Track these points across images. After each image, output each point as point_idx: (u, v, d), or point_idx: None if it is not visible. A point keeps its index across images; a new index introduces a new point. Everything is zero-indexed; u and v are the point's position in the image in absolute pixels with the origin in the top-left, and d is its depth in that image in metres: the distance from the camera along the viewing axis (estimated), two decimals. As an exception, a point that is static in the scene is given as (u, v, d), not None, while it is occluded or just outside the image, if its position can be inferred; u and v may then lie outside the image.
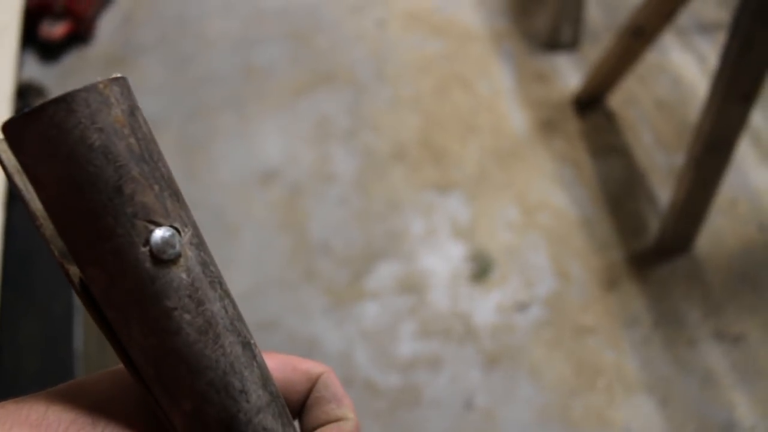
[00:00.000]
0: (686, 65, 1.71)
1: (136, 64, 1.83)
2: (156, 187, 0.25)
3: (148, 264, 0.24)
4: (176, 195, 0.26)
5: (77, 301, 1.30)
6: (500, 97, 1.69)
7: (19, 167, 0.25)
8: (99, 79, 0.25)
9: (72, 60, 1.85)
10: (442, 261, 1.40)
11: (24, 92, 1.64)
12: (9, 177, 0.24)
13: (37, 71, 1.81)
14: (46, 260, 1.36)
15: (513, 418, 1.21)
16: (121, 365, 0.28)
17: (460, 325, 1.32)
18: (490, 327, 1.31)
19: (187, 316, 0.25)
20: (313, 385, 0.32)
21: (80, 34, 1.86)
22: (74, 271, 0.25)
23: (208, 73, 1.80)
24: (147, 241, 0.24)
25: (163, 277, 0.25)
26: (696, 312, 1.31)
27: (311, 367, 0.32)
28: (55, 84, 1.77)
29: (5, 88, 1.03)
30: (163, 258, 0.25)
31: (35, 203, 0.25)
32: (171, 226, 0.25)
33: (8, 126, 0.24)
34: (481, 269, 1.39)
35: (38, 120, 0.24)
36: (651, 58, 1.66)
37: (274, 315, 1.35)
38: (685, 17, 1.75)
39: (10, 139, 0.24)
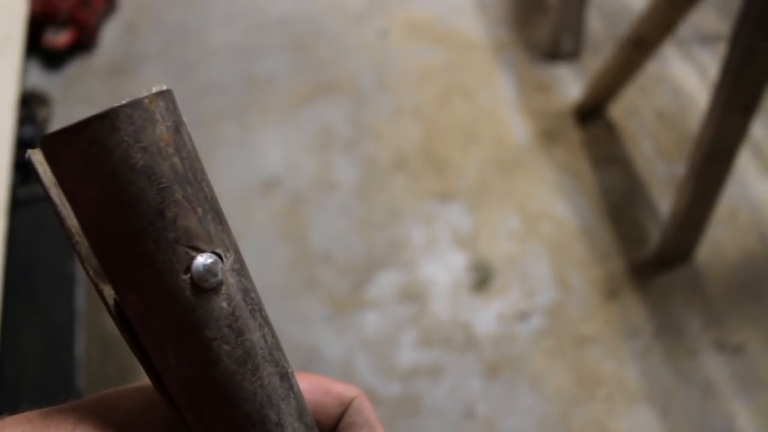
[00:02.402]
0: (687, 76, 1.72)
1: (138, 72, 1.84)
2: (199, 210, 0.24)
3: (188, 292, 0.23)
4: (219, 217, 0.25)
5: (79, 308, 1.30)
6: (501, 106, 1.69)
7: (55, 181, 0.23)
8: (144, 93, 0.24)
9: (75, 68, 1.86)
10: (443, 270, 1.41)
11: (27, 100, 1.65)
12: (45, 191, 0.23)
13: (40, 79, 1.81)
14: (48, 267, 1.36)
15: (513, 427, 1.21)
16: (146, 381, 0.27)
17: (460, 334, 1.32)
18: (490, 336, 1.32)
19: (226, 347, 0.24)
20: (345, 409, 0.32)
21: (84, 43, 1.87)
22: (109, 292, 0.24)
23: (210, 82, 1.80)
24: (188, 268, 0.23)
25: (203, 306, 0.24)
26: (696, 322, 1.32)
27: (343, 390, 0.32)
28: (58, 92, 1.78)
29: (9, 96, 1.03)
30: (204, 287, 0.24)
31: (71, 219, 0.24)
32: (213, 252, 0.24)
33: (47, 141, 0.23)
34: (481, 278, 1.39)
35: (80, 137, 0.23)
36: (652, 68, 1.66)
37: (275, 324, 1.34)
38: (685, 28, 1.76)
39: (48, 153, 0.23)
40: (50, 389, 1.17)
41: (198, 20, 1.96)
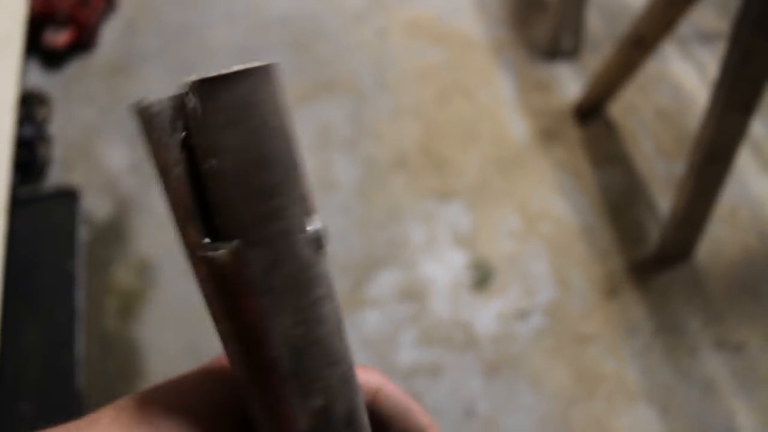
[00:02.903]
0: (686, 74, 1.72)
1: (138, 72, 1.84)
2: (307, 175, 0.25)
3: (308, 250, 0.24)
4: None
5: (79, 308, 1.30)
6: (501, 105, 1.69)
7: (182, 130, 0.23)
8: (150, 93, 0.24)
9: (75, 68, 1.86)
10: (443, 269, 1.41)
11: (27, 100, 1.65)
12: (161, 141, 0.23)
13: (40, 79, 1.81)
14: (47, 267, 1.36)
15: (514, 426, 1.21)
16: (177, 378, 0.27)
17: (460, 333, 1.32)
18: (490, 335, 1.32)
19: (329, 306, 0.25)
20: (371, 398, 0.30)
21: (83, 42, 1.87)
22: (212, 254, 0.24)
23: (210, 81, 1.80)
24: (306, 227, 0.24)
25: (318, 264, 0.24)
26: (696, 320, 1.32)
27: (366, 380, 0.30)
28: (58, 92, 1.78)
29: (9, 96, 1.03)
30: (321, 244, 0.25)
31: (180, 169, 0.23)
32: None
33: (206, 83, 0.23)
34: (481, 277, 1.39)
35: (242, 82, 0.23)
36: (651, 67, 1.66)
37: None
38: (685, 27, 1.76)
39: (204, 96, 0.23)
40: (50, 389, 1.18)
41: (198, 19, 1.96)
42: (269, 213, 0.23)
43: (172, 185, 0.24)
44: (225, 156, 0.23)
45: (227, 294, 0.24)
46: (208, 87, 0.23)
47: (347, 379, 0.26)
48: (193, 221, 0.24)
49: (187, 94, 0.23)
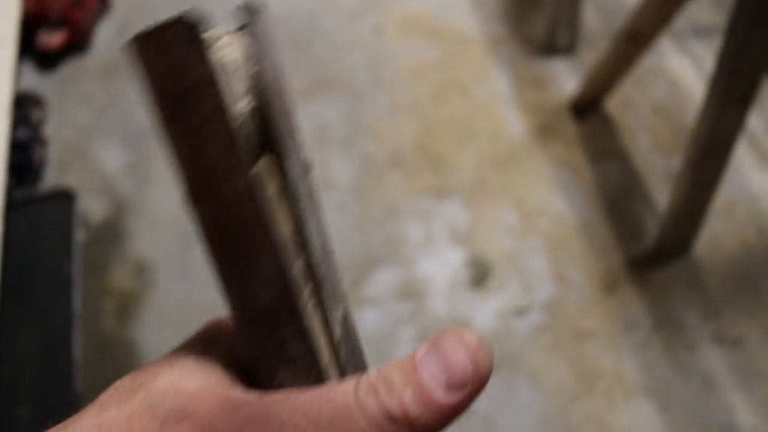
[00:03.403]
0: (683, 69, 1.72)
1: (133, 73, 1.83)
2: None
3: (309, 167, 0.29)
4: None
5: (76, 311, 1.29)
6: (497, 102, 1.69)
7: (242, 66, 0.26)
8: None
9: (69, 69, 1.85)
10: (441, 267, 1.40)
11: (22, 102, 1.65)
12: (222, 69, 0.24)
13: (34, 81, 1.81)
14: (44, 270, 1.36)
15: (513, 423, 1.21)
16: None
17: (459, 330, 1.32)
18: (489, 332, 1.31)
19: (316, 220, 0.28)
20: None
21: (77, 43, 1.87)
22: (259, 168, 0.25)
23: (205, 80, 1.80)
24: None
25: (314, 183, 0.29)
26: (695, 315, 1.31)
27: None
28: (52, 93, 1.77)
29: (3, 98, 1.03)
30: (310, 168, 0.29)
31: (237, 107, 0.25)
32: None
33: (250, 19, 0.27)
34: (479, 275, 1.39)
35: (262, 18, 0.28)
36: (648, 62, 1.66)
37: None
38: (681, 21, 1.76)
39: (248, 30, 0.27)
40: (48, 391, 1.17)
41: (192, 19, 1.96)
42: (292, 129, 0.27)
43: (234, 115, 0.24)
44: (266, 78, 0.26)
45: (273, 201, 0.25)
46: (252, 22, 0.27)
47: (344, 289, 0.28)
48: (245, 144, 0.24)
49: (241, 28, 0.27)
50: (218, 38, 0.26)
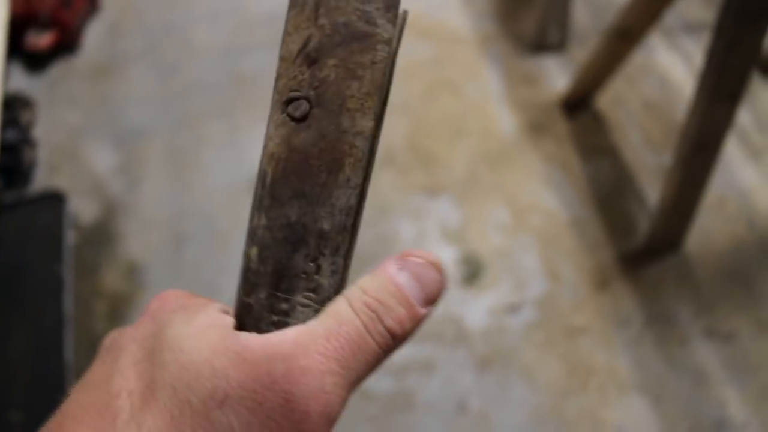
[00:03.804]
0: (673, 65, 1.72)
1: (123, 73, 1.83)
2: None
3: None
4: None
5: (68, 313, 1.29)
6: (488, 100, 1.69)
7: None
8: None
9: (59, 70, 1.84)
10: (433, 265, 1.40)
11: (11, 104, 1.64)
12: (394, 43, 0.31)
13: (23, 82, 1.80)
14: (35, 272, 1.35)
15: (506, 420, 1.21)
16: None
17: (452, 328, 1.32)
18: (481, 330, 1.31)
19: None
20: None
21: (67, 44, 1.86)
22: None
23: (195, 81, 1.79)
24: None
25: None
26: (687, 310, 1.32)
27: None
28: (42, 94, 1.76)
29: (-9, 99, 1.02)
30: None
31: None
32: None
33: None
34: (471, 272, 1.39)
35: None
36: (638, 58, 1.66)
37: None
38: (670, 17, 1.76)
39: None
40: (40, 395, 1.17)
41: (182, 19, 1.95)
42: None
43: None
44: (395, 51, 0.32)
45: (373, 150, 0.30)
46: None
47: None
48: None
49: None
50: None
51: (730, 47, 1.08)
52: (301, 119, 0.29)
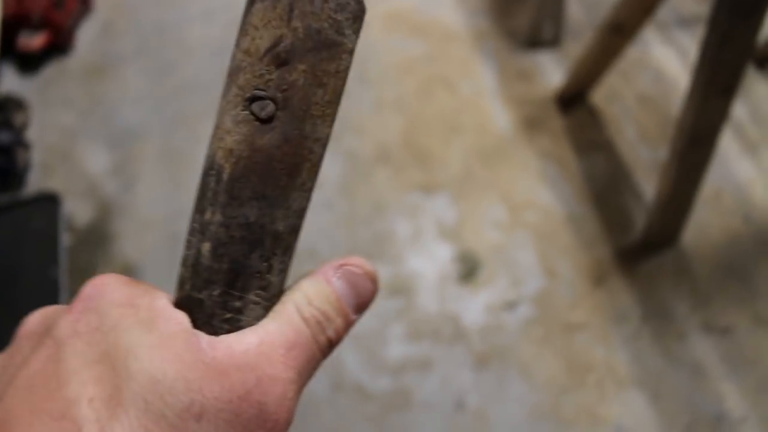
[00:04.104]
0: (667, 59, 1.72)
1: (116, 73, 1.82)
2: None
3: None
4: None
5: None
6: (483, 96, 1.69)
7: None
8: None
9: (51, 71, 1.83)
10: (429, 262, 1.40)
11: (4, 105, 1.63)
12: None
13: (16, 83, 1.79)
14: (30, 275, 1.35)
15: (504, 417, 1.21)
16: None
17: (449, 326, 1.32)
18: (479, 327, 1.31)
19: None
20: None
21: (59, 45, 1.85)
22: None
23: (189, 80, 1.79)
24: None
25: None
26: (684, 305, 1.32)
27: None
28: (35, 96, 1.75)
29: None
30: None
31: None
32: None
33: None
34: (468, 269, 1.39)
35: None
36: (632, 53, 1.66)
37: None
38: (665, 11, 1.76)
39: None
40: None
41: (175, 18, 1.94)
42: None
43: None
44: None
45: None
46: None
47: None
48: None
49: None
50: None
51: (725, 41, 1.07)
52: (266, 120, 0.29)
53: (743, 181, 1.48)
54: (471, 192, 1.50)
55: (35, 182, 1.59)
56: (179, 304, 0.29)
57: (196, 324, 0.28)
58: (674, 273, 1.36)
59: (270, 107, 0.29)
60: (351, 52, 0.31)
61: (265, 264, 0.30)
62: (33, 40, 1.78)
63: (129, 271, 1.43)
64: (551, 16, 1.73)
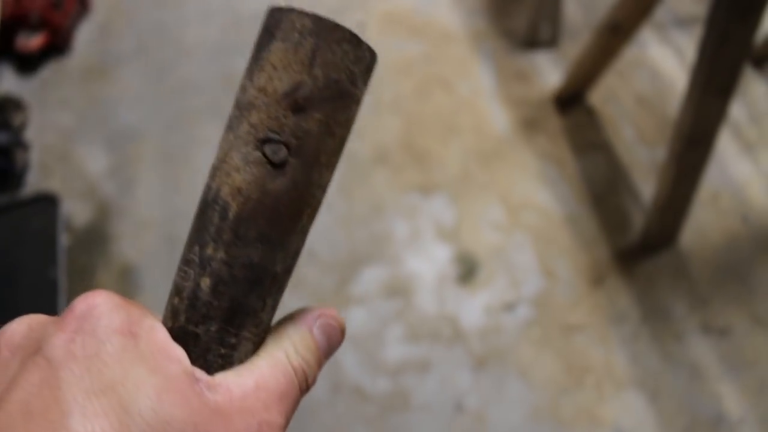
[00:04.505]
0: (665, 60, 1.72)
1: (114, 74, 1.82)
2: None
3: None
4: None
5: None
6: (481, 97, 1.69)
7: None
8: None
9: (50, 72, 1.83)
10: (428, 263, 1.40)
11: (2, 106, 1.63)
12: None
13: (14, 84, 1.79)
14: (29, 275, 1.35)
15: (503, 418, 1.21)
16: None
17: (447, 327, 1.32)
18: (477, 328, 1.31)
19: None
20: None
21: (57, 46, 1.85)
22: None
23: (187, 81, 1.79)
24: None
25: None
26: (682, 306, 1.32)
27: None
28: (33, 97, 1.75)
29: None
30: None
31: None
32: None
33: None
34: (467, 270, 1.39)
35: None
36: (630, 53, 1.66)
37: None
38: (662, 12, 1.76)
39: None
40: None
41: (173, 18, 1.94)
42: None
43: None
44: None
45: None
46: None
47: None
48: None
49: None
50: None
51: (722, 41, 1.08)
52: (278, 165, 0.29)
53: (741, 182, 1.48)
54: (469, 192, 1.51)
55: (34, 183, 1.59)
56: (174, 336, 0.29)
57: (191, 357, 0.28)
58: (673, 274, 1.36)
59: (283, 152, 0.29)
60: (359, 103, 0.31)
61: (261, 303, 0.30)
62: (31, 41, 1.78)
63: (127, 271, 1.43)
64: (548, 17, 1.73)
